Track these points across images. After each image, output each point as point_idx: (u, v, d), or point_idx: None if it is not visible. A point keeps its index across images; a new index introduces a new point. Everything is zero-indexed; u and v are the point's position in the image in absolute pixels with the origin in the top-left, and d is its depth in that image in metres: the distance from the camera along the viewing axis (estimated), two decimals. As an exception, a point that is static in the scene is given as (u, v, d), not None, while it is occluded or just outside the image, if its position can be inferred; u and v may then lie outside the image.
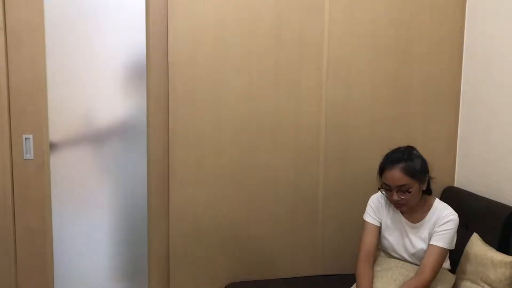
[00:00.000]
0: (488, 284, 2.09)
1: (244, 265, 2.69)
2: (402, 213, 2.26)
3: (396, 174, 2.13)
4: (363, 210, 2.42)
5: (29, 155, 2.47)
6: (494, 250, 2.17)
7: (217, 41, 2.50)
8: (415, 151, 2.22)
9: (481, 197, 2.53)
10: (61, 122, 2.53)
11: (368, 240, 2.29)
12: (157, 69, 2.52)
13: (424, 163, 2.19)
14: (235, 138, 2.59)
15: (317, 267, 2.77)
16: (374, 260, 2.29)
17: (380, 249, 2.38)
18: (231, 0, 2.49)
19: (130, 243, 2.72)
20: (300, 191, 2.70)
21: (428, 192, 2.25)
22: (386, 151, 2.34)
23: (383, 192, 2.23)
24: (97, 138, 2.60)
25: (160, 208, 2.61)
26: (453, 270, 2.29)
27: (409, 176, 2.12)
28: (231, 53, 2.53)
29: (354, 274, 2.44)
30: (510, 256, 2.08)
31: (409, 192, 2.12)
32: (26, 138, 2.45)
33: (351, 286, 2.30)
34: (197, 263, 2.64)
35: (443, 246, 2.12)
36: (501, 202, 2.39)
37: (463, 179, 2.77)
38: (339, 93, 2.67)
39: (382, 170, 2.21)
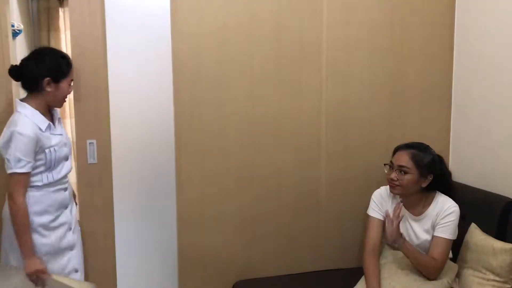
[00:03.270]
0: (490, 271, 2.20)
1: (251, 263, 2.74)
2: (400, 198, 2.36)
3: (404, 156, 2.29)
4: (363, 206, 2.52)
5: (93, 160, 2.51)
6: (493, 238, 2.28)
7: (219, 46, 2.56)
8: (432, 150, 2.34)
9: (476, 188, 2.64)
10: (121, 127, 2.55)
11: (373, 234, 2.38)
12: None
13: (433, 162, 2.30)
14: (239, 139, 2.65)
15: (320, 262, 2.85)
16: (379, 253, 2.38)
17: (384, 242, 2.46)
18: (232, 6, 2.56)
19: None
20: (303, 189, 2.78)
21: (446, 188, 2.35)
22: (384, 148, 2.45)
23: (386, 170, 2.37)
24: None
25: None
26: (453, 259, 2.39)
27: (413, 162, 2.26)
28: (233, 57, 2.59)
29: (356, 267, 2.54)
30: (509, 244, 2.19)
31: (406, 174, 2.25)
32: (90, 143, 2.50)
33: (358, 279, 2.38)
34: (205, 263, 2.69)
35: (448, 237, 2.23)
36: (496, 193, 2.50)
37: (457, 173, 2.88)
38: (338, 94, 2.75)
39: (396, 150, 2.37)
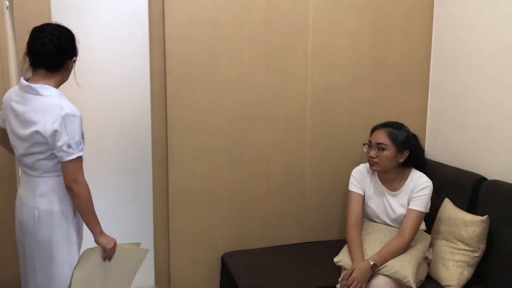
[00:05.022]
0: (461, 241, 2.38)
1: (239, 236, 2.87)
2: (378, 175, 2.52)
3: (381, 134, 2.45)
4: (345, 183, 2.67)
5: None
6: (464, 212, 2.45)
7: (210, 28, 2.65)
8: (406, 127, 2.50)
9: (450, 166, 2.81)
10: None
11: (355, 208, 2.54)
12: (155, 58, 2.65)
13: (408, 138, 2.47)
14: (228, 118, 2.76)
15: (305, 235, 2.99)
16: (361, 226, 2.54)
17: (364, 216, 2.63)
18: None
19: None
20: (288, 167, 2.91)
21: (420, 164, 2.52)
22: (366, 128, 2.59)
23: (365, 149, 2.52)
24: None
25: (161, 186, 2.76)
26: (428, 231, 2.57)
27: (390, 139, 2.42)
28: (224, 39, 2.68)
29: (338, 240, 2.69)
30: (478, 216, 2.36)
31: (384, 151, 2.41)
32: None
33: (340, 250, 2.52)
34: (195, 235, 2.81)
35: (420, 210, 2.40)
36: (468, 170, 2.68)
37: (433, 151, 3.05)
38: (323, 76, 2.87)
39: (373, 130, 2.52)
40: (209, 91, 2.70)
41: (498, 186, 2.45)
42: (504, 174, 2.50)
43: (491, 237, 2.36)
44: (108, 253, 2.16)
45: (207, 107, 2.71)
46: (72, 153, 1.98)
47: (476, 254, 2.36)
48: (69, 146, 1.97)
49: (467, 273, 2.36)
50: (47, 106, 1.98)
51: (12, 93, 2.10)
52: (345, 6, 2.84)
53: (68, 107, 1.98)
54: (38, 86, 2.00)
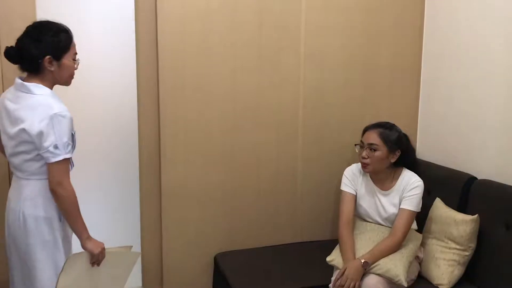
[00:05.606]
0: (452, 240, 2.40)
1: (232, 236, 2.88)
2: (370, 175, 2.53)
3: (373, 134, 2.46)
4: (337, 182, 2.68)
5: None
6: (455, 211, 2.48)
7: (203, 28, 2.65)
8: (398, 128, 2.51)
9: (441, 166, 2.83)
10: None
11: (347, 208, 2.55)
12: (146, 55, 2.63)
13: (400, 138, 2.48)
14: (221, 119, 2.76)
15: (297, 235, 3.01)
16: (353, 226, 2.55)
17: (356, 215, 2.64)
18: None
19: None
20: (281, 167, 2.92)
21: (411, 164, 2.53)
22: (358, 128, 2.61)
23: (357, 150, 2.53)
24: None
25: (152, 186, 2.75)
26: (419, 230, 2.59)
27: (382, 140, 2.43)
28: (217, 40, 2.68)
29: (331, 240, 2.70)
30: (469, 215, 2.38)
31: (376, 151, 2.42)
32: None
33: (332, 250, 2.54)
34: (188, 236, 2.81)
35: (411, 209, 2.42)
36: (458, 170, 2.70)
37: (424, 151, 3.07)
38: (315, 76, 2.89)
39: (364, 130, 2.53)
40: (201, 92, 2.70)
41: (488, 185, 2.47)
42: (494, 174, 2.52)
43: (482, 236, 2.38)
44: (95, 258, 2.11)
45: (199, 108, 2.71)
46: (59, 154, 1.93)
47: (467, 253, 2.38)
48: (55, 147, 1.92)
49: (458, 271, 2.38)
50: (36, 105, 1.94)
51: (7, 92, 2.09)
52: (337, 7, 2.86)
53: (57, 107, 1.93)
54: (31, 85, 1.98)
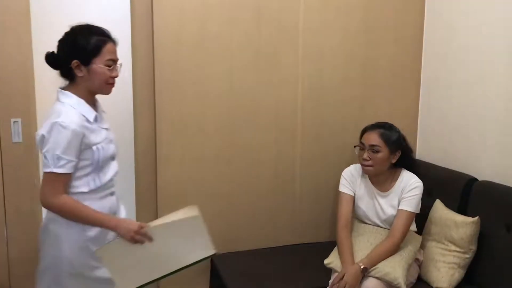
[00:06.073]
0: (452, 243, 2.37)
1: (229, 238, 2.84)
2: (369, 176, 2.49)
3: (373, 135, 2.41)
4: (336, 184, 2.64)
5: (18, 139, 2.51)
6: (455, 213, 2.44)
7: (200, 24, 2.62)
8: (396, 127, 2.48)
9: (441, 167, 2.79)
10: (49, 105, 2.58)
11: (345, 209, 2.52)
12: (143, 51, 2.60)
13: (400, 139, 2.45)
14: (218, 119, 2.73)
15: (296, 236, 2.97)
16: (351, 227, 2.52)
17: (354, 217, 2.61)
18: (212, -12, 2.61)
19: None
20: (279, 167, 2.88)
21: (409, 165, 2.49)
22: (357, 128, 2.57)
23: (357, 152, 2.48)
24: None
25: (148, 186, 2.72)
26: (419, 232, 2.55)
27: (383, 140, 2.39)
28: (214, 37, 2.65)
29: (329, 241, 2.67)
30: (469, 217, 2.35)
31: (378, 153, 2.37)
32: (14, 122, 2.50)
33: (331, 251, 2.51)
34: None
35: (410, 210, 2.38)
36: (459, 171, 2.67)
37: (424, 151, 3.04)
38: (314, 76, 2.85)
39: (363, 131, 2.48)
40: (197, 91, 2.67)
41: (489, 186, 2.44)
42: (495, 175, 2.49)
43: (482, 238, 2.34)
44: (133, 241, 1.87)
45: (195, 107, 2.68)
46: (47, 166, 1.80)
47: (467, 256, 2.34)
48: (45, 156, 1.80)
49: (458, 274, 2.34)
50: (51, 112, 1.85)
51: None
52: (336, 5, 2.82)
53: (64, 117, 1.80)
54: (60, 92, 1.90)
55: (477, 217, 2.32)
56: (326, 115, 2.91)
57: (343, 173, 2.60)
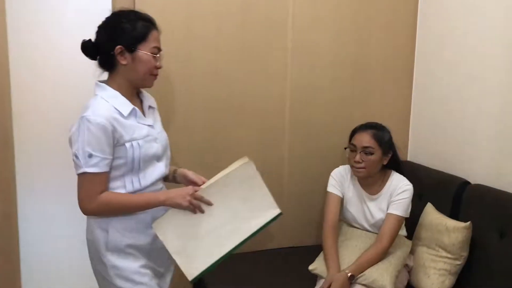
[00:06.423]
0: (443, 248, 2.28)
1: (213, 241, 2.75)
2: (359, 179, 2.40)
3: (365, 136, 2.31)
4: (324, 186, 2.55)
5: None
6: (447, 217, 2.36)
7: (186, 19, 2.52)
8: (387, 128, 2.39)
9: (433, 169, 2.72)
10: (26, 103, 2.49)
11: (332, 211, 2.42)
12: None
13: (391, 139, 2.36)
14: (203, 118, 2.64)
15: (283, 240, 2.89)
16: (338, 231, 2.43)
17: (342, 220, 2.53)
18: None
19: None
20: (267, 168, 2.75)
21: (396, 166, 2.40)
22: (347, 129, 2.48)
23: (347, 154, 2.38)
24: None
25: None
26: (409, 237, 2.47)
27: (376, 141, 2.29)
28: (199, 32, 2.55)
29: (316, 245, 2.58)
30: (461, 222, 2.26)
31: (371, 155, 2.27)
32: None
33: (317, 255, 2.43)
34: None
35: (399, 214, 2.29)
36: (451, 173, 2.59)
37: (415, 153, 2.96)
38: (303, 74, 2.76)
39: (354, 132, 2.38)
40: (183, 89, 2.58)
41: (482, 190, 2.36)
42: (488, 178, 2.41)
43: (474, 243, 2.26)
44: (190, 208, 1.73)
45: (182, 106, 2.59)
46: (79, 166, 1.64)
47: (458, 262, 2.26)
48: (76, 156, 1.63)
49: (448, 282, 2.26)
50: (83, 107, 1.70)
51: None
52: (326, 1, 2.73)
53: (91, 110, 1.65)
54: (97, 84, 1.76)
55: (469, 222, 2.24)
56: (315, 115, 2.82)
57: (332, 173, 2.51)
